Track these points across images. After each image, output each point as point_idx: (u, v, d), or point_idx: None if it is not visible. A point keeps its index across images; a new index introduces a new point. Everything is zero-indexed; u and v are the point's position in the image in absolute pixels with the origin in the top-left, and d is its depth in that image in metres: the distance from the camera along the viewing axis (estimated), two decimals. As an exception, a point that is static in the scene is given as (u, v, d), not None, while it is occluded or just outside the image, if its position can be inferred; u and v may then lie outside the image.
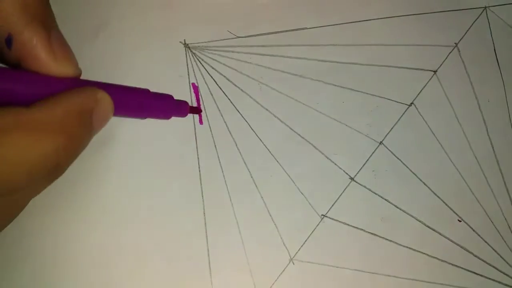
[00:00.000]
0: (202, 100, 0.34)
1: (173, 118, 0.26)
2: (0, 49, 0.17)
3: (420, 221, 0.33)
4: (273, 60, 0.36)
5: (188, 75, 0.35)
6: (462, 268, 0.33)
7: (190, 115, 0.34)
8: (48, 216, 0.32)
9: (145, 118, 0.22)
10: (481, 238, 0.33)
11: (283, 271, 0.32)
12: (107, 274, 0.31)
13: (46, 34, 0.17)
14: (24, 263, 0.31)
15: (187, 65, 0.35)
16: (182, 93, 0.34)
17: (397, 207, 0.33)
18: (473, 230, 0.33)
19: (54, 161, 0.15)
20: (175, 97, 0.24)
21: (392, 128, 0.35)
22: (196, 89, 0.35)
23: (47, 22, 0.17)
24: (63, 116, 0.16)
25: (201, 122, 0.34)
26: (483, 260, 0.33)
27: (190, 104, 0.34)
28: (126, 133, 0.33)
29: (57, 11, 0.19)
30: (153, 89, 0.35)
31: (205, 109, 0.34)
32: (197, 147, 0.33)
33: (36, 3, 0.17)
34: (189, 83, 0.35)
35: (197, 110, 0.33)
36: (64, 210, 0.32)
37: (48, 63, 0.17)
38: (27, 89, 0.16)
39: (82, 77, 0.18)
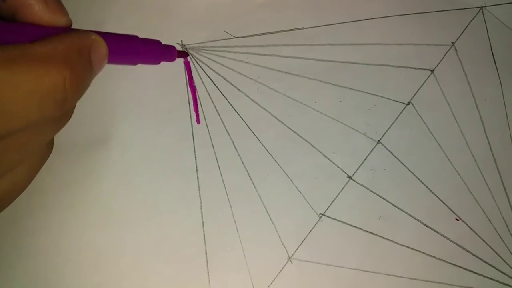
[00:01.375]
0: (199, 100, 0.34)
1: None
2: None
3: (418, 220, 0.33)
4: (270, 59, 0.36)
5: (186, 75, 0.35)
6: (459, 267, 0.33)
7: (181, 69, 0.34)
8: (46, 215, 0.32)
9: (136, 64, 0.22)
10: (479, 236, 0.33)
11: (281, 270, 0.32)
12: (104, 275, 0.31)
13: None
14: (24, 263, 0.31)
15: (185, 65, 0.35)
16: (180, 94, 0.34)
17: (395, 206, 0.33)
18: (471, 229, 0.33)
19: (62, 93, 0.16)
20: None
21: (389, 127, 0.35)
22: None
23: None
24: (65, 50, 0.16)
25: (198, 121, 0.34)
26: (480, 259, 0.33)
27: (188, 106, 0.34)
28: (123, 133, 0.33)
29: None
30: (151, 90, 0.35)
31: (202, 109, 0.34)
32: (194, 147, 0.33)
33: None
34: (187, 84, 0.35)
35: (184, 54, 0.33)
36: (62, 210, 0.32)
37: (42, 13, 0.17)
38: (25, 38, 0.16)
39: None
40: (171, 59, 0.26)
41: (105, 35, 0.19)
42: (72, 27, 0.18)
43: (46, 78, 0.15)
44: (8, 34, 0.16)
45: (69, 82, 0.16)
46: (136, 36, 0.22)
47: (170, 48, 0.26)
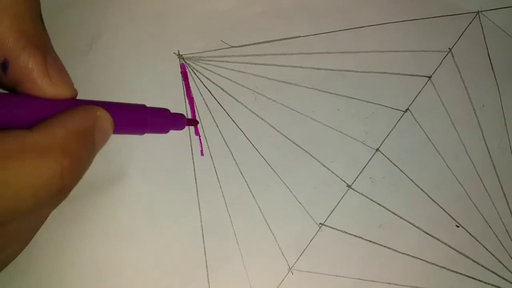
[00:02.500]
0: (197, 110, 0.34)
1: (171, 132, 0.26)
2: None
3: (418, 228, 0.33)
4: (267, 69, 0.35)
5: (183, 86, 0.35)
6: (460, 273, 0.33)
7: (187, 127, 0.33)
8: (47, 229, 0.32)
9: (144, 133, 0.22)
10: (479, 243, 0.33)
11: (282, 281, 0.32)
12: (104, 287, 0.31)
13: (42, 58, 0.17)
14: (26, 277, 0.31)
15: (182, 76, 0.35)
16: (177, 104, 0.34)
17: (395, 214, 0.33)
18: (471, 235, 0.33)
19: (59, 184, 0.16)
20: (172, 110, 0.24)
21: (388, 135, 0.35)
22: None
23: (42, 46, 0.17)
24: (65, 137, 0.16)
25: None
26: (481, 265, 0.33)
27: (186, 116, 0.34)
28: (122, 146, 0.33)
29: (49, 24, 0.19)
30: (148, 100, 0.35)
31: (200, 120, 0.34)
32: (193, 159, 0.33)
33: (31, 28, 0.17)
34: (184, 94, 0.35)
35: (194, 122, 0.33)
36: (63, 223, 0.32)
37: (45, 86, 0.17)
38: (26, 112, 0.16)
39: (78, 90, 0.18)
40: (180, 127, 0.25)
41: (111, 107, 0.18)
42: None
43: (42, 171, 0.15)
44: (7, 108, 0.15)
45: (67, 170, 0.16)
46: (144, 106, 0.21)
47: (179, 116, 0.24)
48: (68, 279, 0.31)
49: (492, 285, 0.32)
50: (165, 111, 0.24)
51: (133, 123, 0.21)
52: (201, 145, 0.33)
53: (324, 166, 0.34)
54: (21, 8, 0.17)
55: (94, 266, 0.31)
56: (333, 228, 0.33)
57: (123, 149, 0.33)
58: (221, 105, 0.35)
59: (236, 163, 0.33)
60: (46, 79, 0.17)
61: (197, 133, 0.34)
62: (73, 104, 0.17)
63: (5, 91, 0.17)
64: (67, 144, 0.16)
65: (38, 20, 0.17)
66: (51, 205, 0.17)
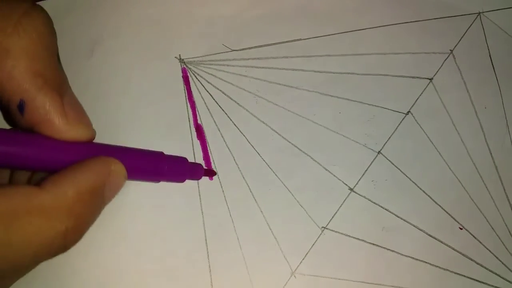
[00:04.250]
0: (199, 114, 0.34)
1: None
2: (13, 115, 0.17)
3: (421, 230, 0.33)
4: (268, 72, 0.36)
5: (185, 90, 0.35)
6: (464, 276, 0.32)
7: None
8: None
9: (159, 182, 0.21)
10: (483, 245, 0.33)
11: (285, 285, 0.32)
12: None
13: (58, 98, 0.16)
14: (31, 283, 0.31)
15: (183, 80, 0.35)
16: (179, 109, 0.34)
17: (397, 217, 0.33)
18: (475, 237, 0.33)
19: (60, 244, 0.15)
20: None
21: (389, 138, 0.35)
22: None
23: (59, 86, 0.17)
24: (74, 197, 0.15)
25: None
26: (485, 267, 0.33)
27: (188, 121, 0.34)
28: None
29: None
30: (150, 104, 0.35)
31: (202, 124, 0.34)
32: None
33: (48, 68, 0.17)
34: (186, 98, 0.35)
35: (211, 173, 0.33)
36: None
37: (61, 127, 0.16)
38: (40, 154, 0.16)
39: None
40: (197, 177, 0.24)
41: (127, 154, 0.18)
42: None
43: (46, 232, 0.14)
44: (21, 148, 0.15)
45: (71, 231, 0.15)
46: (162, 153, 0.21)
47: (197, 166, 0.24)
48: (74, 285, 0.31)
49: (496, 287, 0.32)
50: (183, 159, 0.23)
51: (149, 171, 0.20)
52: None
53: (326, 169, 0.34)
54: (38, 49, 0.16)
55: (97, 272, 0.31)
56: (336, 232, 0.33)
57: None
58: (222, 109, 0.35)
59: (238, 167, 0.33)
60: (63, 120, 0.16)
61: (199, 137, 0.34)
62: (89, 149, 0.17)
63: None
64: (75, 204, 0.15)
65: (54, 61, 0.17)
66: (48, 259, 0.17)
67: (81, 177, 0.15)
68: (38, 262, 0.15)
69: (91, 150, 0.17)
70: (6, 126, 0.17)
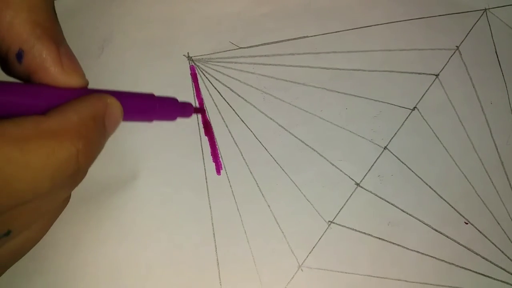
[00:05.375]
0: (207, 111, 0.35)
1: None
2: (11, 64, 0.18)
3: (427, 225, 0.33)
4: (275, 69, 0.36)
5: (193, 87, 0.35)
6: (470, 270, 0.33)
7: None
8: (61, 230, 0.32)
9: (152, 121, 0.22)
10: (488, 239, 0.33)
11: (292, 278, 0.32)
12: (116, 287, 0.31)
13: (55, 48, 0.18)
14: (41, 277, 0.31)
15: (192, 77, 0.36)
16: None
17: (403, 211, 0.34)
18: (480, 232, 0.33)
19: (75, 165, 0.16)
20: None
21: (396, 133, 0.35)
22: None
23: (56, 37, 0.18)
24: (78, 122, 0.16)
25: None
26: (490, 262, 0.33)
27: (197, 118, 0.35)
28: (133, 146, 0.34)
29: (62, 28, 0.19)
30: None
31: (210, 120, 0.35)
32: (203, 158, 0.34)
33: (45, 20, 0.18)
34: (194, 96, 0.35)
35: (201, 111, 0.34)
36: (76, 225, 0.32)
37: (58, 75, 0.17)
38: (40, 100, 0.17)
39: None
40: (187, 115, 0.26)
41: (121, 95, 0.19)
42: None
43: (59, 153, 0.15)
44: (22, 97, 0.16)
45: (82, 153, 0.16)
46: (153, 95, 0.22)
47: (187, 105, 0.25)
48: (84, 277, 0.32)
49: (501, 281, 0.33)
50: (173, 99, 0.24)
51: (142, 110, 0.22)
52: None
53: (333, 164, 0.34)
54: (37, 1, 0.17)
55: (108, 266, 0.32)
56: (342, 226, 0.33)
57: (135, 152, 0.34)
58: (230, 106, 0.35)
59: (246, 163, 0.34)
60: (59, 68, 0.17)
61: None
62: (84, 93, 0.18)
63: (19, 81, 0.18)
64: (81, 128, 0.16)
65: (52, 12, 0.18)
66: (67, 187, 0.18)
67: (82, 106, 0.17)
68: (57, 186, 0.16)
69: (85, 93, 0.18)
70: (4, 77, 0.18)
